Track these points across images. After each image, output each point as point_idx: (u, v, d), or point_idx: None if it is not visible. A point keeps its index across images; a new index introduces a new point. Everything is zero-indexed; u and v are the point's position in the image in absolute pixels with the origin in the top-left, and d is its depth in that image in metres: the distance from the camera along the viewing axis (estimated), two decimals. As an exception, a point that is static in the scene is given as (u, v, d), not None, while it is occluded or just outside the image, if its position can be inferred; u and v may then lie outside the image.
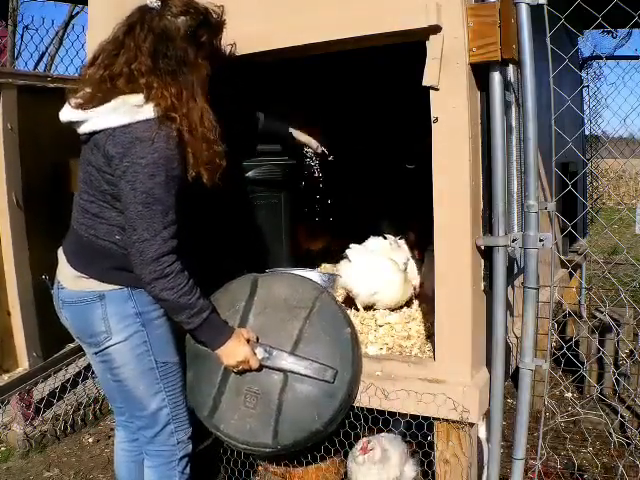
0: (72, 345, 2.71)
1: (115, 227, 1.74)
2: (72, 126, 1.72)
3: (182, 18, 1.64)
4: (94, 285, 1.75)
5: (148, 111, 1.63)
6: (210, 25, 1.72)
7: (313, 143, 2.48)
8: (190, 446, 1.95)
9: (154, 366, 1.82)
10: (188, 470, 1.97)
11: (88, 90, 1.67)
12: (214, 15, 1.73)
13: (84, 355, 2.21)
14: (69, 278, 1.79)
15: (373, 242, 2.81)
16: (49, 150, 2.45)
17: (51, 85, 2.26)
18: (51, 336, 2.51)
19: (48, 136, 2.41)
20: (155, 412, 1.86)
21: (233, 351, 1.82)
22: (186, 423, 1.94)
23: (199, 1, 1.73)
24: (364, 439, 2.14)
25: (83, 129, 1.69)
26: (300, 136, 2.45)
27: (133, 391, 1.83)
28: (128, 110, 1.62)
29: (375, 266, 2.56)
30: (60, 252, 1.86)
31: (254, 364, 1.86)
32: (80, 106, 1.67)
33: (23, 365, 2.57)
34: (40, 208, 2.54)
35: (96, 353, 1.82)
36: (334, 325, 1.97)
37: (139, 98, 1.63)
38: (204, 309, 1.74)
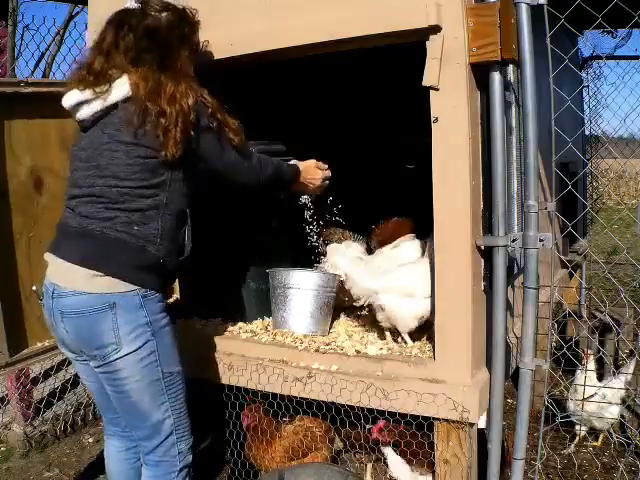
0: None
1: (137, 214, 1.72)
2: (76, 111, 1.76)
3: (164, 14, 1.80)
4: (107, 285, 1.68)
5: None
6: (188, 21, 1.87)
7: (317, 184, 2.26)
8: (190, 456, 1.91)
9: (160, 377, 1.78)
10: None
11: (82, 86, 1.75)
12: (190, 13, 1.89)
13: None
14: (79, 280, 1.69)
15: (347, 244, 2.77)
16: (25, 155, 2.27)
17: (25, 90, 2.17)
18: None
19: (24, 141, 2.25)
20: (158, 423, 1.81)
21: (307, 168, 2.21)
22: (188, 433, 1.90)
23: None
24: None
25: (96, 106, 1.73)
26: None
27: (137, 403, 1.78)
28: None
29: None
30: (55, 259, 1.76)
31: (322, 166, 2.25)
32: (88, 87, 1.73)
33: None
34: (18, 212, 2.30)
35: (99, 365, 1.75)
36: None
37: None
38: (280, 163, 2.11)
